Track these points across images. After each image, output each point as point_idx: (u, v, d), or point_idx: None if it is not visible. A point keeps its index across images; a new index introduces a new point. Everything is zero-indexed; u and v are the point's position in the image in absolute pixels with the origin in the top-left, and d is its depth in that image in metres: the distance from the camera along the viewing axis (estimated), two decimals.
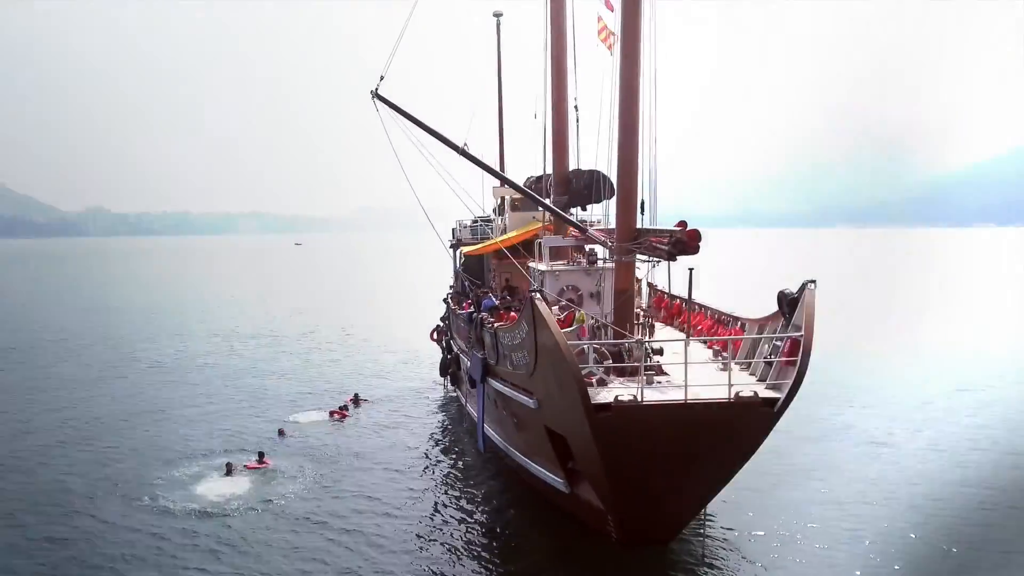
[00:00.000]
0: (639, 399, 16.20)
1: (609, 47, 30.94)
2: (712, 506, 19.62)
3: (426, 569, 17.81)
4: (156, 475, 24.18)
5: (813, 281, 16.98)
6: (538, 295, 17.30)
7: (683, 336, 19.94)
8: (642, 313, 23.93)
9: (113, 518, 20.79)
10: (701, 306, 24.47)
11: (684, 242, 18.77)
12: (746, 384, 17.08)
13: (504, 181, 20.79)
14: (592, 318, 21.47)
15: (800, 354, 16.07)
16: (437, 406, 34.36)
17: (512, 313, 24.17)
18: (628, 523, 18.07)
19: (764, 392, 16.62)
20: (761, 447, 17.41)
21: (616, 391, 16.85)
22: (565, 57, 31.91)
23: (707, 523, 19.75)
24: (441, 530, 20.13)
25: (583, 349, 18.50)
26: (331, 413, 32.09)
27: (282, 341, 54.49)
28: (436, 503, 22.16)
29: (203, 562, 18.13)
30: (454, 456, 26.88)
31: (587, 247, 25.65)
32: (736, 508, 20.54)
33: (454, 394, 34.63)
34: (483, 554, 18.88)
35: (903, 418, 30.26)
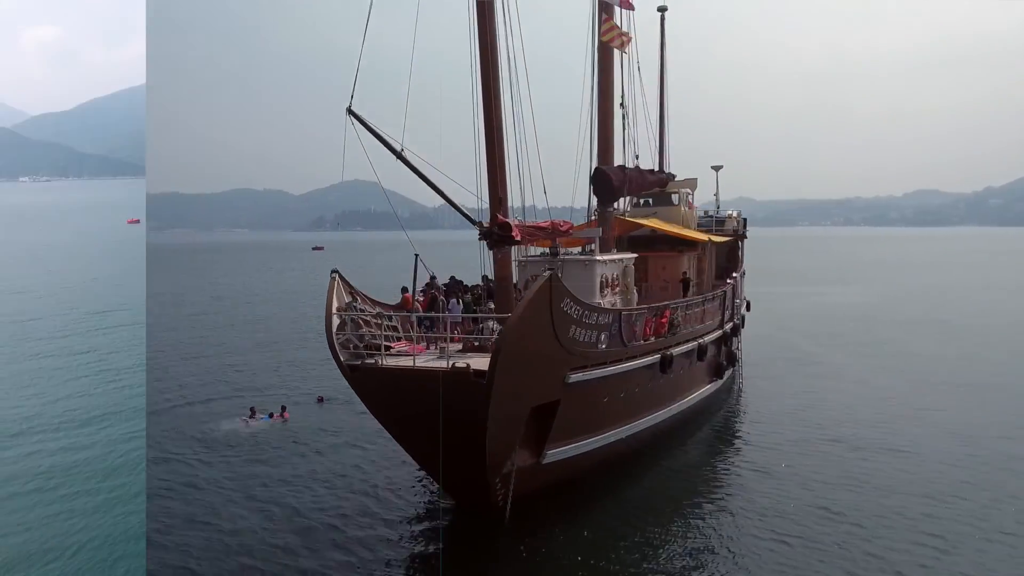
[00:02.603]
0: (379, 363, 19.00)
1: (618, 47, 32.11)
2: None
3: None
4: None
5: (551, 269, 18.33)
6: (336, 274, 20.44)
7: None
8: None
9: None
10: None
11: (495, 232, 21.05)
12: None
13: (435, 190, 22.74)
14: None
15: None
16: None
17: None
18: (441, 481, 20.20)
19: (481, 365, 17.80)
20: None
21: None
22: (611, 55, 33.42)
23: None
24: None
25: (359, 318, 20.27)
26: None
27: None
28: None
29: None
30: None
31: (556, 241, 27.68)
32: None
33: None
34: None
35: None
